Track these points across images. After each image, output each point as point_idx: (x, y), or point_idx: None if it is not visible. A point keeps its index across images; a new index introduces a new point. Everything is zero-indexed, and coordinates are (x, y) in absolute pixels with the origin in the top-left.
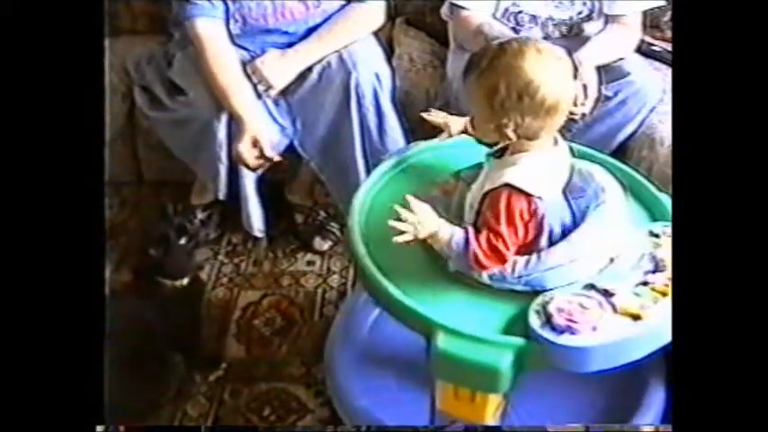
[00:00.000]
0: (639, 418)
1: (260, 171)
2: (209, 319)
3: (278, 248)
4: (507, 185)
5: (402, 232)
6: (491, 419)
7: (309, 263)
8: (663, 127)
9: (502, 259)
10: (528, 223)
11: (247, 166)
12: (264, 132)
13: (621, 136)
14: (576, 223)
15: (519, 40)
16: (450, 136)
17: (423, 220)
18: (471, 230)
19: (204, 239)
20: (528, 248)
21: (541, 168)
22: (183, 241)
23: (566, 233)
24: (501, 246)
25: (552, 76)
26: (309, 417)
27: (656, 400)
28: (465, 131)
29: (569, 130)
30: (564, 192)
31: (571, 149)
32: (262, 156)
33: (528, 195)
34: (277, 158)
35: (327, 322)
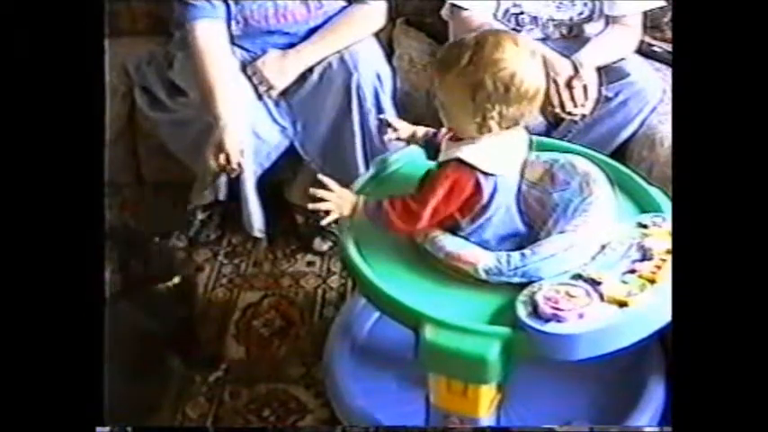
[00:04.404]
0: (637, 416)
1: (231, 174)
2: (208, 320)
3: (278, 249)
4: (457, 160)
5: (327, 214)
6: (485, 413)
7: (309, 263)
8: (663, 127)
9: (413, 221)
10: (467, 198)
11: (212, 171)
12: (234, 139)
13: (622, 137)
14: (520, 209)
15: (492, 32)
16: (417, 143)
17: (342, 196)
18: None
19: (204, 240)
20: (455, 221)
21: (497, 148)
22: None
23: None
24: (415, 208)
25: (531, 65)
26: (309, 417)
27: (654, 399)
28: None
29: (570, 130)
30: (522, 174)
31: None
32: (227, 162)
33: (475, 171)
34: (237, 167)
35: (327, 323)
